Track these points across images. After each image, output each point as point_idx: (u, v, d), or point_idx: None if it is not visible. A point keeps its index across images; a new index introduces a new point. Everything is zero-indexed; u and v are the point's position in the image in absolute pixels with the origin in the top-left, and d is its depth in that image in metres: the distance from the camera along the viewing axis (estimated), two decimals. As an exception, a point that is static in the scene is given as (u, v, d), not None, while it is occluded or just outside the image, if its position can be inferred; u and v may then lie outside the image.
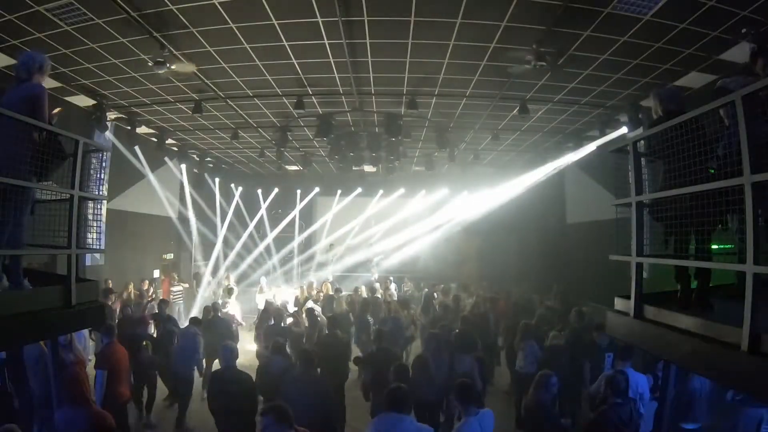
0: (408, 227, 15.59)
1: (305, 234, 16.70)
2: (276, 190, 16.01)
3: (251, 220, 15.72)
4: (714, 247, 2.84)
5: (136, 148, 9.87)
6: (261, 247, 15.53)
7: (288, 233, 16.32)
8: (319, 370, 5.05)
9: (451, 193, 15.41)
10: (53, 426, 3.59)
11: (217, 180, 14.41)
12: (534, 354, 6.18)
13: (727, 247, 2.87)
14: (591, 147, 9.69)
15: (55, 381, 3.76)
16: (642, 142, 3.22)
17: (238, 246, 14.97)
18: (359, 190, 15.92)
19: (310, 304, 9.06)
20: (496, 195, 14.06)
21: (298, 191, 16.29)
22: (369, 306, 8.66)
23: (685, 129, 2.60)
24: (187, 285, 12.46)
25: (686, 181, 2.57)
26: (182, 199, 13.08)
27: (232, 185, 15.28)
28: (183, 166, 12.45)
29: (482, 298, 9.69)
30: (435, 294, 10.35)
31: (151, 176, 11.04)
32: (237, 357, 4.70)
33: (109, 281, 9.04)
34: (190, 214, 13.30)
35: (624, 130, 8.16)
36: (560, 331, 6.66)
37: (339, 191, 16.22)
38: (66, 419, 3.47)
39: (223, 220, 14.72)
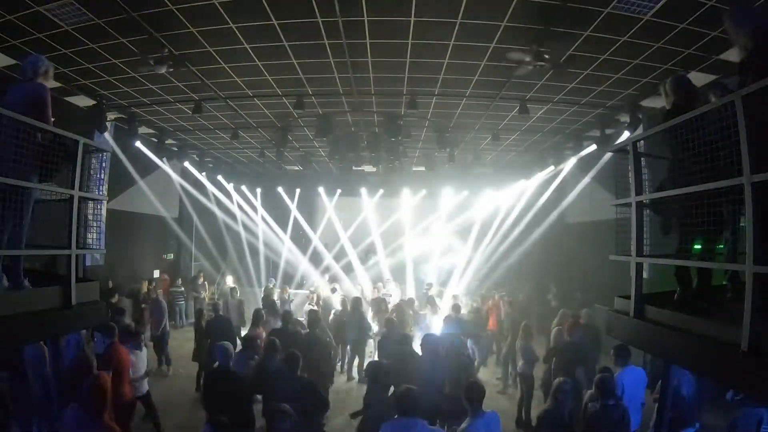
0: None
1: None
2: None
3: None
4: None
5: (137, 146, 9.85)
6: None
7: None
8: None
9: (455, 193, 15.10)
10: (53, 425, 3.56)
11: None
12: (533, 355, 6.18)
13: (720, 247, 2.87)
14: (591, 147, 9.68)
15: (54, 380, 3.74)
16: (642, 142, 3.22)
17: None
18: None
19: None
20: (496, 195, 14.05)
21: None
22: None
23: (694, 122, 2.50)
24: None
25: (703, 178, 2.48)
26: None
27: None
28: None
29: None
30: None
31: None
32: (231, 357, 4.79)
33: (110, 282, 9.04)
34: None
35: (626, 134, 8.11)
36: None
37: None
38: (76, 423, 3.40)
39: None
